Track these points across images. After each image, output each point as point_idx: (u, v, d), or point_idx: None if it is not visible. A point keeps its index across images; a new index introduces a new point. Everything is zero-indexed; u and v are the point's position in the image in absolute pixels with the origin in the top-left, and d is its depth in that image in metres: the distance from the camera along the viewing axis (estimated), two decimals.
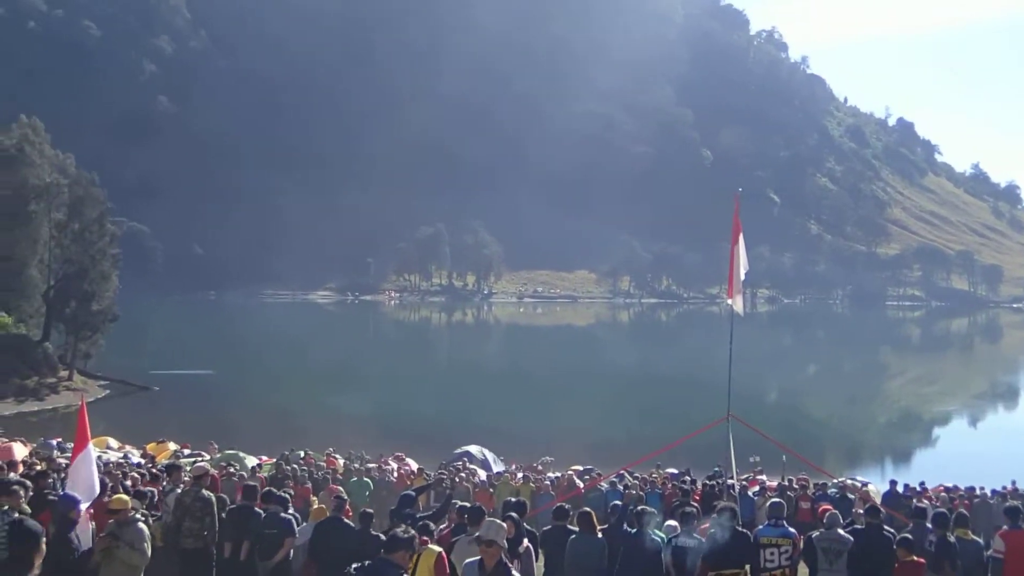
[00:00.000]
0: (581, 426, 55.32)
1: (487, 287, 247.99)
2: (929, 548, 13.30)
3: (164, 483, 18.67)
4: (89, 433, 14.24)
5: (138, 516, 12.67)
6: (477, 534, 10.59)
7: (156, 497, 16.94)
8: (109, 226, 71.00)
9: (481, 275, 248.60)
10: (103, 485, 15.26)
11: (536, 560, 13.73)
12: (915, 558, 12.61)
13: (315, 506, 18.00)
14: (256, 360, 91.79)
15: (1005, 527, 13.35)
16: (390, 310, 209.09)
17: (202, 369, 78.76)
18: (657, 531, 14.00)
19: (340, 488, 23.67)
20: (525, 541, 13.21)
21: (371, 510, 15.23)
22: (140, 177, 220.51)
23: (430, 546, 10.98)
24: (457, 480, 27.27)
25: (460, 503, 15.68)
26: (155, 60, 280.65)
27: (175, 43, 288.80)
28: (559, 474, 30.46)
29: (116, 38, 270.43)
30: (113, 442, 37.37)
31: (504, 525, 10.20)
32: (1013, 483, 29.72)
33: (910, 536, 13.08)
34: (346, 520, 14.78)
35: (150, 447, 36.50)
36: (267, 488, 16.97)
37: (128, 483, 19.92)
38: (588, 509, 14.22)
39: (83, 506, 12.56)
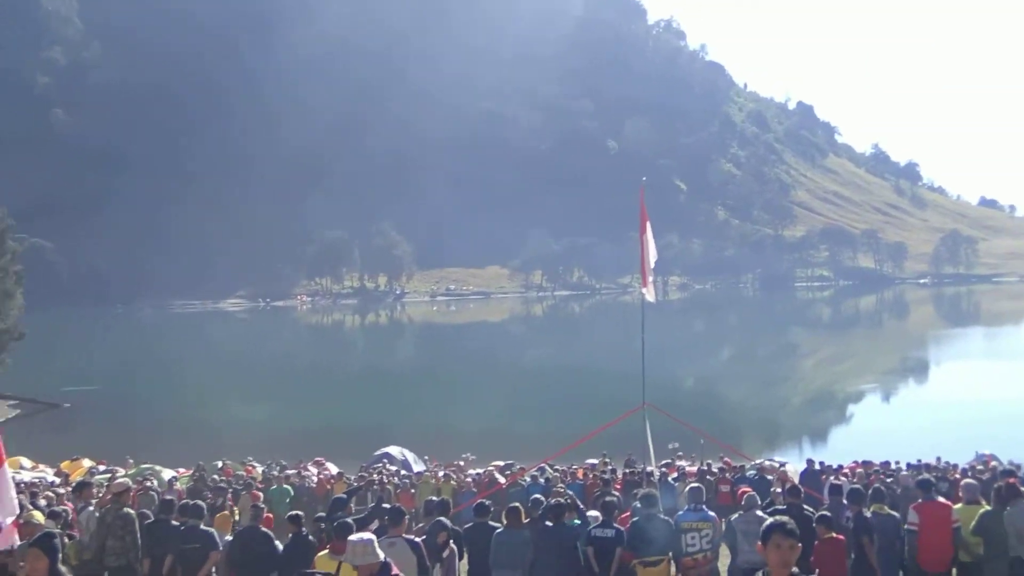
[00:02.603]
0: (500, 421, 55.30)
1: (399, 287, 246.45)
2: (847, 524, 13.52)
3: (77, 502, 18.33)
4: (4, 454, 13.96)
5: None
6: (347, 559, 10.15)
7: (71, 516, 16.66)
8: (10, 243, 69.62)
9: (393, 275, 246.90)
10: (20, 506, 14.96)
11: (460, 559, 13.72)
12: (835, 535, 12.80)
13: (219, 515, 17.42)
14: (167, 371, 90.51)
15: (920, 500, 13.60)
16: (302, 315, 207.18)
17: (103, 384, 77.61)
18: (576, 522, 14.07)
19: (260, 495, 23.46)
20: (451, 543, 13.22)
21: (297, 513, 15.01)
22: (40, 192, 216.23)
23: None
24: (385, 481, 27.23)
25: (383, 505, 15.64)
26: (48, 72, 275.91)
27: (68, 55, 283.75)
28: (480, 471, 30.51)
29: (7, 51, 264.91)
30: (26, 462, 36.61)
31: (372, 538, 9.55)
32: (938, 459, 30.20)
33: (828, 513, 13.28)
34: (263, 529, 14.54)
35: (64, 465, 35.84)
36: (183, 501, 16.72)
37: (42, 502, 19.59)
38: (517, 504, 14.27)
39: (8, 521, 12.32)
